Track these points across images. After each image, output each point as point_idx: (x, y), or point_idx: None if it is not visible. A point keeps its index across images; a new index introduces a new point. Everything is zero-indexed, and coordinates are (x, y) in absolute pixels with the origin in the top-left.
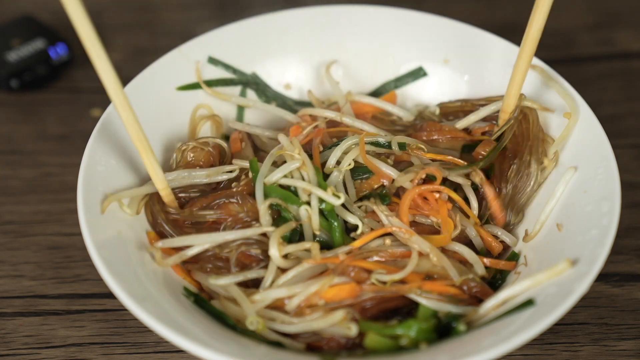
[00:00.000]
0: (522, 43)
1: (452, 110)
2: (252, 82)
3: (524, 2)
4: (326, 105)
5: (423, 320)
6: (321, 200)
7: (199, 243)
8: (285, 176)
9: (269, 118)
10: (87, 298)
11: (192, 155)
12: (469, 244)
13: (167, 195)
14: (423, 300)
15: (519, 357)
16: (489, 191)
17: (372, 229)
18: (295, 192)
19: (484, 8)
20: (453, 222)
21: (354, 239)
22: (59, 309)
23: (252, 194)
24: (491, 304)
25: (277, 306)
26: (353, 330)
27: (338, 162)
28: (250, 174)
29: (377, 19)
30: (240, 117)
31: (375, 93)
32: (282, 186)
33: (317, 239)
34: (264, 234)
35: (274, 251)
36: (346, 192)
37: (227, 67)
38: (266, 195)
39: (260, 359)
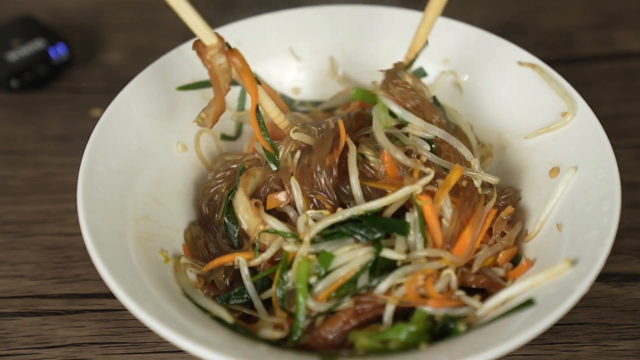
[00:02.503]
0: None
1: None
2: None
3: (524, 2)
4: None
5: (415, 324)
6: None
7: None
8: None
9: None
10: (87, 298)
11: None
12: None
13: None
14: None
15: (519, 357)
16: None
17: None
18: None
19: (484, 8)
20: None
21: None
22: (59, 309)
23: None
24: (491, 304)
25: None
26: None
27: None
28: None
29: (377, 19)
30: (238, 132)
31: None
32: None
33: None
34: None
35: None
36: None
37: None
38: None
39: (260, 359)
